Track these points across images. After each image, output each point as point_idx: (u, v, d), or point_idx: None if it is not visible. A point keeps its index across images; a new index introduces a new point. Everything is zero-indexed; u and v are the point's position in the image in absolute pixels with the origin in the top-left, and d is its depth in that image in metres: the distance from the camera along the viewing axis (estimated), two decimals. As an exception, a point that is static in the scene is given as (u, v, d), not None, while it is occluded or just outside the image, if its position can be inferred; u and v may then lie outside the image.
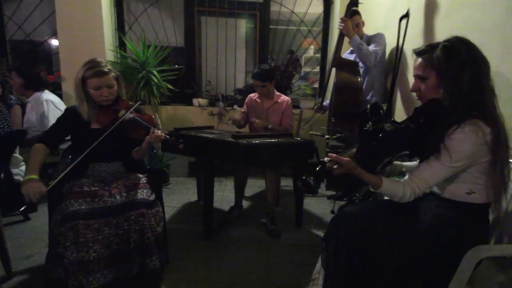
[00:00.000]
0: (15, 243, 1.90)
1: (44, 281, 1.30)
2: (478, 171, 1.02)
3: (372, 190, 1.11)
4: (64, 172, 1.35)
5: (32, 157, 1.41)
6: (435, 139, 1.01)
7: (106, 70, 1.47)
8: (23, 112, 2.56)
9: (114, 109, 1.53)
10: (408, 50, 2.19)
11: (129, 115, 1.51)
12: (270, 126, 2.45)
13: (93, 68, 1.45)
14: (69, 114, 1.55)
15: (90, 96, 1.50)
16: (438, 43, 1.04)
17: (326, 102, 2.88)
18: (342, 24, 2.35)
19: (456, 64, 0.99)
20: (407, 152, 1.09)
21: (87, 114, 1.51)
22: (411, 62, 2.15)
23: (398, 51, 2.16)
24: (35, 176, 1.32)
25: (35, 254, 1.79)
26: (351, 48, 2.61)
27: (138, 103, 1.64)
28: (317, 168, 1.07)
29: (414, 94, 1.17)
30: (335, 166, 1.07)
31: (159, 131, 1.49)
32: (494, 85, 1.01)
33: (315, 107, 2.96)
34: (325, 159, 1.09)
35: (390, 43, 2.52)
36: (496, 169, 0.99)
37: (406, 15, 2.11)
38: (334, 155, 1.07)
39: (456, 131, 0.97)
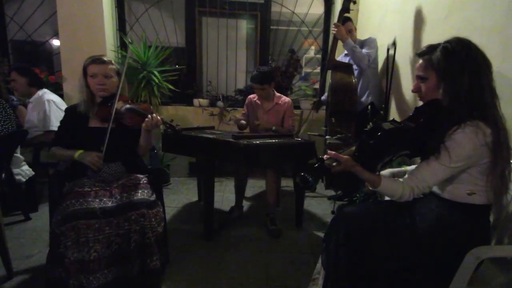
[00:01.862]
0: (16, 243, 1.90)
1: (45, 281, 1.30)
2: (479, 172, 1.01)
3: (371, 188, 1.11)
4: (107, 139, 1.47)
5: (61, 153, 1.54)
6: (435, 139, 1.01)
7: (105, 59, 1.54)
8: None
9: (111, 103, 1.54)
10: (409, 50, 2.20)
11: (126, 105, 1.53)
12: (274, 128, 2.46)
13: (93, 57, 1.55)
14: (69, 114, 1.60)
15: (89, 89, 1.56)
16: (439, 44, 1.05)
17: (324, 95, 2.91)
18: (335, 29, 2.44)
19: (455, 64, 0.99)
20: (408, 152, 1.09)
21: (85, 104, 1.56)
22: (408, 64, 2.18)
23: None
24: (81, 151, 1.48)
25: (36, 254, 1.80)
26: (345, 52, 2.67)
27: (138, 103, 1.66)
28: (315, 165, 1.07)
29: (410, 96, 1.17)
30: (334, 164, 1.07)
31: (155, 117, 1.49)
32: (496, 86, 1.01)
33: (313, 102, 2.97)
34: (325, 156, 1.09)
35: (386, 45, 2.57)
36: (496, 170, 0.98)
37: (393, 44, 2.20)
38: (333, 152, 1.07)
39: (457, 131, 0.97)
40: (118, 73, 1.59)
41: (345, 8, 2.45)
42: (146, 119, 1.49)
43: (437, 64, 1.02)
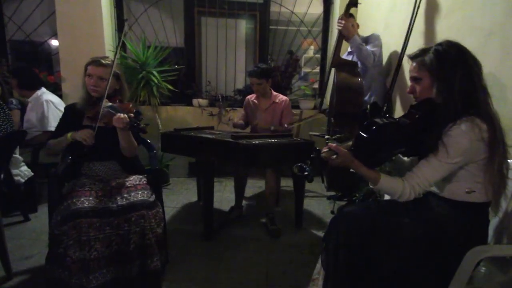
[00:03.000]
0: (15, 244, 1.90)
1: (44, 282, 1.30)
2: (477, 169, 1.02)
3: (371, 186, 1.12)
4: (98, 121, 1.48)
5: (56, 143, 1.55)
6: (432, 136, 1.03)
7: (103, 62, 1.55)
8: (23, 113, 2.57)
9: (100, 103, 1.55)
10: (410, 49, 2.20)
11: (108, 103, 1.53)
12: (272, 128, 2.45)
13: (94, 58, 1.56)
14: (68, 112, 1.62)
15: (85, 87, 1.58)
16: (431, 47, 1.09)
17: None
18: (342, 23, 2.35)
19: (447, 65, 1.03)
20: (403, 149, 1.09)
21: (82, 101, 1.58)
22: (409, 63, 2.17)
23: (407, 39, 2.04)
24: (72, 132, 1.50)
25: (35, 255, 1.79)
26: (349, 50, 2.62)
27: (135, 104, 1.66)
28: (312, 155, 1.07)
29: (410, 95, 1.19)
30: (333, 157, 1.07)
31: (122, 115, 1.45)
32: (487, 84, 1.04)
33: (316, 110, 2.95)
34: (323, 149, 1.10)
35: (390, 43, 2.54)
36: (493, 166, 1.00)
37: None
38: (334, 144, 1.08)
39: (453, 128, 1.00)
40: (117, 77, 1.60)
41: (353, 2, 2.35)
42: (113, 118, 1.47)
43: (430, 65, 1.07)
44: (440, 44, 1.08)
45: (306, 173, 1.04)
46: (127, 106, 1.56)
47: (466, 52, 1.05)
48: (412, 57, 1.15)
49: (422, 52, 1.11)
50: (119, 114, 1.45)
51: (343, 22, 2.34)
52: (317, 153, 1.08)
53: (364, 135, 1.03)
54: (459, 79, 1.01)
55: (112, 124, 1.48)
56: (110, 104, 1.53)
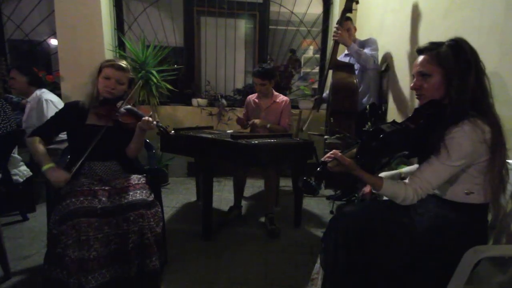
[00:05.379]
0: (14, 243, 1.89)
1: (42, 281, 1.29)
2: (477, 171, 1.02)
3: (373, 191, 1.11)
4: (84, 156, 1.45)
5: (37, 150, 1.46)
6: (435, 138, 1.01)
7: (124, 67, 1.57)
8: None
9: (115, 102, 1.57)
10: (407, 50, 2.21)
11: (126, 105, 1.56)
12: (268, 125, 2.46)
13: (113, 61, 1.58)
14: (68, 109, 1.59)
15: (97, 87, 1.57)
16: (443, 42, 1.05)
17: (325, 93, 2.90)
18: (338, 34, 2.41)
19: (464, 62, 1.00)
20: (406, 152, 1.09)
21: (89, 99, 1.56)
22: (406, 63, 2.19)
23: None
24: (52, 165, 1.42)
25: (33, 254, 1.79)
26: (346, 52, 2.69)
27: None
28: (318, 169, 1.07)
29: (408, 95, 1.17)
30: (336, 167, 1.07)
31: (149, 118, 1.52)
32: (491, 87, 1.02)
33: (315, 97, 2.96)
34: (326, 158, 1.09)
35: (385, 45, 2.57)
36: (494, 169, 0.99)
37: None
38: (340, 154, 1.07)
39: (455, 130, 0.98)
40: (131, 82, 1.63)
41: (348, 8, 2.43)
42: (143, 118, 1.52)
43: (446, 60, 1.01)
44: (453, 40, 1.03)
45: (313, 188, 1.03)
46: (147, 110, 1.61)
47: (476, 52, 1.02)
48: (422, 51, 1.08)
49: (434, 46, 1.05)
50: (146, 116, 1.50)
51: (339, 32, 2.41)
52: (323, 166, 1.07)
53: (371, 143, 1.01)
54: (473, 79, 0.98)
55: (131, 125, 1.53)
56: (128, 106, 1.57)
